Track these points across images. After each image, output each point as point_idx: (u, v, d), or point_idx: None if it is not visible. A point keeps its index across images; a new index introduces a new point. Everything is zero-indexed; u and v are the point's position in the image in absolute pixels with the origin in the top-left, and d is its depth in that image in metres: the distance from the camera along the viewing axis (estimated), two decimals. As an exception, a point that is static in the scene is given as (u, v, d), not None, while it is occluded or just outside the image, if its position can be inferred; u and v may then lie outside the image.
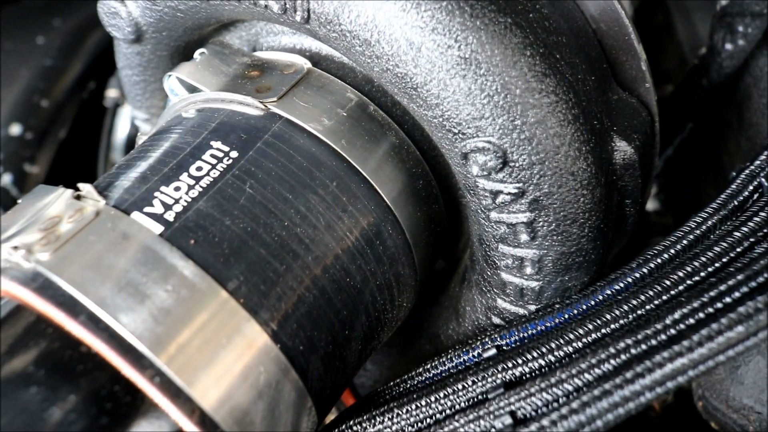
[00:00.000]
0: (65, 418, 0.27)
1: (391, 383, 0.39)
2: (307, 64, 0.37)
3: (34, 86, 0.73)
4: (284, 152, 0.34)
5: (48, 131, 0.72)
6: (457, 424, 0.33)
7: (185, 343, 0.28)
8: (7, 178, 0.68)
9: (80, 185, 0.32)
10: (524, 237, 0.34)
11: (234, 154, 0.33)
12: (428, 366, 0.38)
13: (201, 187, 0.32)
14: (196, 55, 0.39)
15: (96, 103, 0.78)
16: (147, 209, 0.31)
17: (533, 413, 0.31)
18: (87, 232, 0.30)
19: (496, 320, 0.39)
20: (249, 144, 0.33)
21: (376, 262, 0.35)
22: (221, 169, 0.32)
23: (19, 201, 0.35)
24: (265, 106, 0.35)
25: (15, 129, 0.70)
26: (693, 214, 0.35)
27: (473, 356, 0.37)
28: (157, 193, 0.32)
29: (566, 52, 0.33)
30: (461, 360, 0.38)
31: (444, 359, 0.38)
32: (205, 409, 0.27)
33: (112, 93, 0.73)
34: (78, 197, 0.33)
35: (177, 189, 0.32)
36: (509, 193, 0.33)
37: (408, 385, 0.38)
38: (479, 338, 0.38)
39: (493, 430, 0.31)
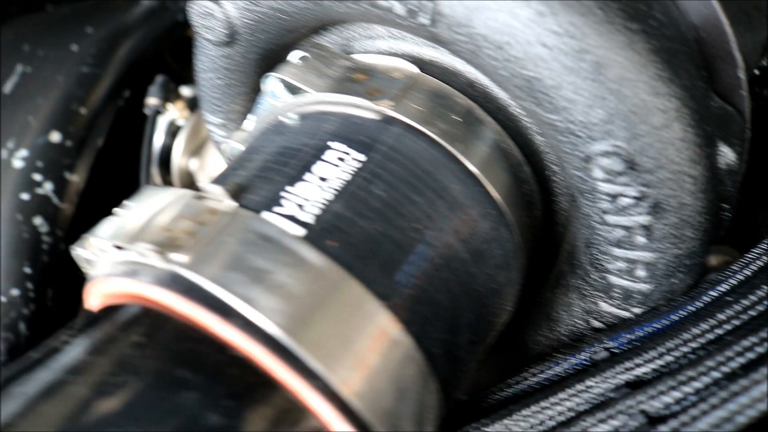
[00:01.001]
0: (219, 422, 0.26)
1: (495, 387, 0.39)
2: (414, 68, 0.37)
3: (72, 93, 0.73)
4: (406, 155, 0.34)
5: (86, 139, 0.71)
6: (585, 424, 0.33)
7: (337, 345, 0.28)
8: (48, 186, 0.67)
9: (207, 186, 0.32)
10: (640, 240, 0.34)
11: (360, 156, 0.33)
12: (535, 370, 0.38)
13: (333, 189, 0.32)
14: (294, 57, 0.39)
15: (131, 111, 0.77)
16: (277, 209, 0.31)
17: (666, 412, 0.31)
18: (223, 233, 0.30)
19: (596, 324, 0.39)
20: (372, 147, 0.33)
21: (494, 266, 0.35)
22: (350, 172, 0.32)
23: (128, 203, 0.34)
24: (381, 110, 0.35)
25: (55, 136, 0.69)
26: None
27: (583, 359, 0.37)
28: (284, 194, 0.31)
29: (682, 58, 0.33)
30: (570, 364, 0.38)
31: (550, 363, 0.38)
32: (361, 414, 0.27)
33: (152, 101, 0.72)
34: (199, 198, 0.32)
35: (306, 190, 0.32)
36: (631, 197, 0.33)
37: (517, 389, 0.38)
38: (586, 341, 0.38)
39: (626, 428, 0.31)
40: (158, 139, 0.76)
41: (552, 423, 0.34)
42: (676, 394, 0.31)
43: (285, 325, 0.27)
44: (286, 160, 0.33)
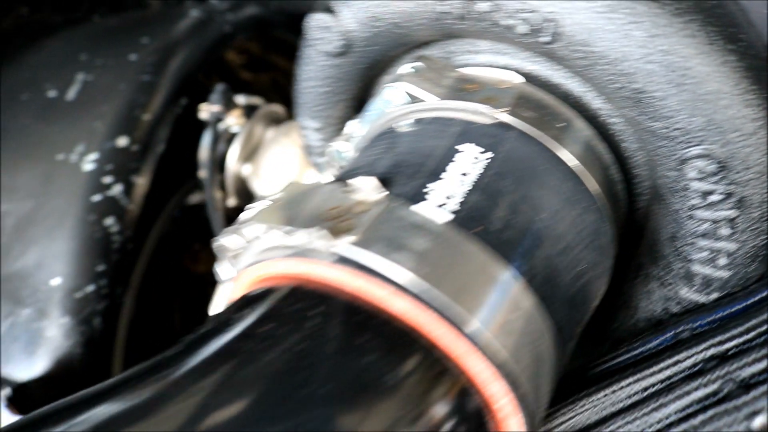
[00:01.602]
0: (394, 381, 0.31)
1: (586, 366, 0.44)
2: (518, 79, 0.43)
3: (135, 101, 0.77)
4: (523, 156, 0.39)
5: (149, 144, 0.75)
6: (682, 391, 0.38)
7: (489, 314, 0.33)
8: (117, 189, 0.71)
9: (356, 180, 0.37)
10: (725, 231, 0.40)
11: (487, 155, 0.38)
12: (622, 350, 0.43)
13: (470, 182, 0.36)
14: (406, 69, 0.44)
15: (188, 118, 0.82)
16: (422, 202, 0.36)
17: (757, 379, 0.37)
18: (378, 221, 0.34)
19: (674, 310, 0.44)
20: (495, 148, 0.38)
21: (597, 255, 0.40)
22: (482, 168, 0.37)
23: (271, 197, 0.39)
24: (498, 116, 0.40)
25: (122, 141, 0.73)
26: None
27: (667, 338, 0.43)
28: (426, 189, 0.36)
29: (765, 74, 0.39)
30: (654, 344, 0.43)
31: (636, 344, 0.43)
32: (515, 375, 0.32)
33: (214, 108, 0.77)
34: (346, 191, 0.37)
35: (446, 184, 0.36)
36: (720, 194, 0.39)
37: (607, 366, 0.43)
38: (669, 323, 0.43)
39: (721, 393, 0.37)
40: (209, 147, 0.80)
41: (651, 390, 0.39)
42: (763, 365, 0.37)
43: (448, 297, 0.32)
44: (421, 159, 0.38)
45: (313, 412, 0.29)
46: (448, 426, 0.32)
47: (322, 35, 0.44)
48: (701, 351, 0.39)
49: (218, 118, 0.76)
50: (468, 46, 0.44)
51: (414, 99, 0.42)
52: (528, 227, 0.36)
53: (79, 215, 0.70)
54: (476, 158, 0.38)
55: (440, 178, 0.37)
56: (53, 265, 0.68)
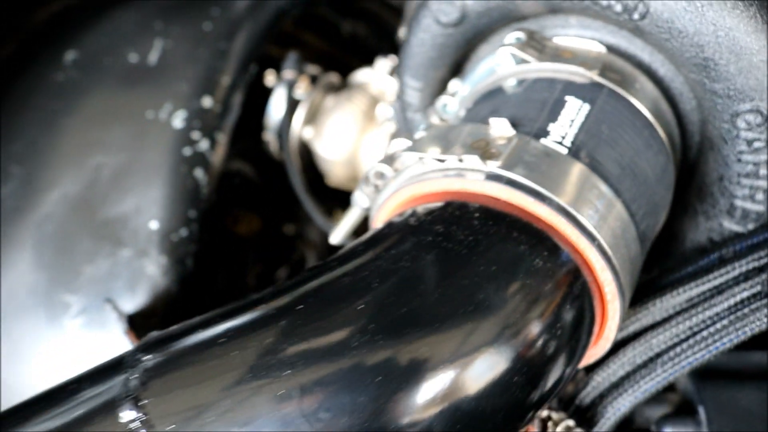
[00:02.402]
0: (539, 264, 0.43)
1: (649, 280, 0.57)
2: (602, 49, 0.55)
3: (213, 66, 0.87)
4: (614, 108, 0.51)
5: (228, 106, 0.86)
6: (728, 294, 0.51)
7: (599, 218, 0.45)
8: (204, 144, 0.82)
9: (493, 120, 0.49)
10: (764, 171, 0.53)
11: (587, 106, 0.51)
12: (677, 269, 0.57)
13: (577, 125, 0.49)
14: (511, 38, 0.56)
15: (256, 83, 0.93)
16: (546, 138, 0.48)
17: None
18: (516, 150, 0.47)
19: (717, 238, 0.58)
20: (594, 101, 0.51)
21: (665, 189, 0.53)
22: (584, 115, 0.50)
23: (422, 132, 0.50)
24: (593, 77, 0.53)
25: (207, 101, 0.83)
26: None
27: (712, 259, 0.56)
28: (548, 128, 0.49)
29: None
30: (703, 263, 0.56)
31: (688, 265, 0.57)
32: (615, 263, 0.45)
33: (288, 74, 0.88)
34: (484, 128, 0.49)
35: (560, 126, 0.49)
36: (763, 140, 0.52)
37: (667, 279, 0.56)
38: (712, 249, 0.56)
39: (761, 293, 0.50)
40: (279, 110, 0.91)
41: (706, 294, 0.52)
42: None
43: (572, 204, 0.44)
44: (538, 107, 0.50)
45: (485, 284, 0.42)
46: (572, 299, 0.44)
47: (444, 7, 0.56)
48: (743, 265, 0.52)
49: (291, 84, 0.86)
50: (560, 21, 0.57)
51: (520, 62, 0.54)
52: (620, 161, 0.49)
53: (172, 167, 0.80)
54: (579, 108, 0.50)
55: (555, 121, 0.49)
56: (151, 211, 0.78)
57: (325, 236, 1.20)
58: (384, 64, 0.95)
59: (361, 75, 0.96)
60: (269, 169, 1.09)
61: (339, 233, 0.59)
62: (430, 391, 0.40)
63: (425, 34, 0.59)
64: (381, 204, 0.49)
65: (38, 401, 0.44)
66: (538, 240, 0.43)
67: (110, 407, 0.40)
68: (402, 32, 0.97)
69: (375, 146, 0.88)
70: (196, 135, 0.81)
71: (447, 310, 0.41)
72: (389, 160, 0.49)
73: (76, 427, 0.41)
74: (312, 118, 0.91)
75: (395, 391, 0.38)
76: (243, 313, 0.42)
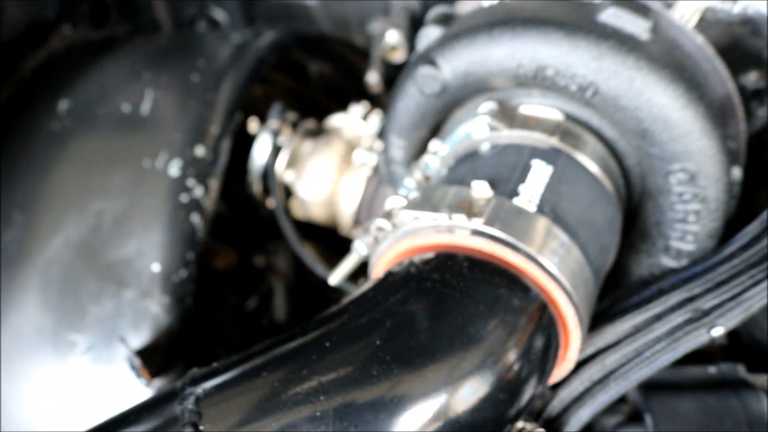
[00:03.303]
0: (517, 303, 0.56)
1: (601, 311, 0.71)
2: (560, 116, 0.69)
3: (203, 115, 0.98)
4: (572, 170, 0.65)
5: (218, 153, 0.97)
6: (669, 318, 0.65)
7: (561, 263, 0.58)
8: (199, 191, 0.93)
9: (475, 183, 0.62)
10: (692, 218, 0.68)
11: (550, 168, 0.64)
12: (623, 300, 0.71)
13: (542, 186, 0.62)
14: (484, 108, 0.69)
15: (240, 131, 1.04)
16: (518, 197, 0.61)
17: (714, 308, 0.64)
18: (495, 210, 0.60)
19: (657, 272, 0.72)
20: (555, 163, 0.65)
21: (613, 234, 0.67)
22: (548, 176, 0.63)
23: (412, 195, 0.63)
24: (554, 143, 0.66)
25: (199, 150, 0.94)
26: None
27: (653, 291, 0.70)
28: (518, 189, 0.62)
29: (723, 130, 0.67)
30: (645, 294, 0.70)
31: (633, 296, 0.71)
32: (575, 300, 0.58)
33: (273, 124, 0.99)
34: (465, 190, 0.62)
35: (529, 187, 0.62)
36: (690, 194, 0.66)
37: (616, 309, 0.70)
38: (653, 281, 0.71)
39: (692, 318, 0.64)
40: (262, 155, 1.03)
41: (647, 320, 0.66)
42: (716, 302, 0.65)
43: (539, 252, 0.57)
44: (509, 170, 0.63)
45: (475, 320, 0.54)
46: (541, 329, 0.57)
47: (427, 82, 0.69)
48: (677, 295, 0.67)
49: (275, 132, 0.98)
50: (524, 92, 0.70)
51: (492, 129, 0.68)
52: (576, 213, 0.63)
53: (170, 213, 0.91)
54: (543, 170, 0.64)
55: (524, 182, 0.62)
56: (152, 254, 0.88)
57: (293, 268, 1.32)
58: (357, 110, 1.07)
59: (335, 120, 1.08)
60: (238, 203, 1.20)
61: (337, 276, 0.71)
62: (433, 407, 0.52)
63: (410, 101, 0.71)
64: (381, 253, 0.61)
65: (101, 429, 0.54)
66: (513, 283, 0.56)
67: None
68: (371, 77, 1.10)
69: (352, 188, 1.00)
70: (191, 182, 0.91)
71: (446, 342, 0.53)
72: (387, 216, 0.62)
73: None
74: (293, 163, 1.03)
75: (407, 408, 0.50)
76: (278, 348, 0.53)
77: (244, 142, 1.06)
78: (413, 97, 0.71)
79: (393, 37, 1.16)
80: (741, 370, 0.71)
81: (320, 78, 1.43)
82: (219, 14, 1.35)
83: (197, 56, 1.05)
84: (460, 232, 0.57)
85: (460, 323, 0.54)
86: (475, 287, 0.55)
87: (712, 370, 0.72)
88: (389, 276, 0.58)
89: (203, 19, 1.36)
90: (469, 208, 0.58)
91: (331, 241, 1.15)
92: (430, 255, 0.58)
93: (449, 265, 0.56)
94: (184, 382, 0.54)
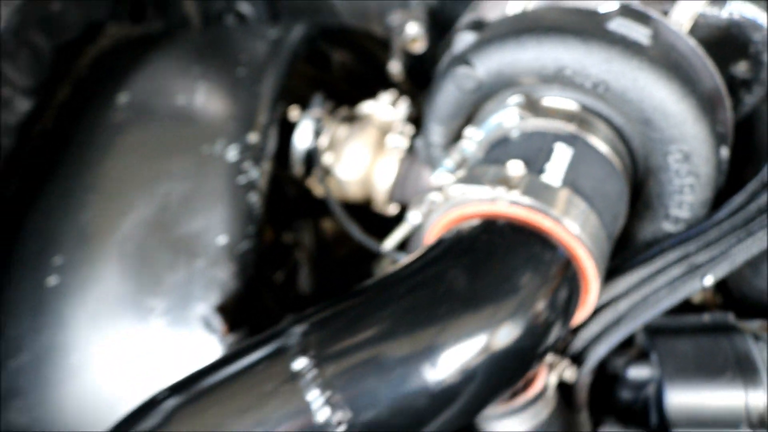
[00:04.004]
0: (546, 255, 0.75)
1: (612, 268, 0.90)
2: (576, 107, 0.88)
3: (252, 105, 1.16)
4: (589, 151, 0.84)
5: (267, 140, 1.15)
6: (665, 273, 0.85)
7: (588, 230, 0.78)
8: (254, 173, 1.11)
9: (510, 163, 0.81)
10: (687, 190, 0.87)
11: (570, 150, 0.83)
12: (630, 259, 0.90)
13: (565, 164, 0.81)
14: (513, 101, 0.88)
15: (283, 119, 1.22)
16: (544, 175, 0.81)
17: (705, 263, 0.84)
18: (528, 185, 0.79)
19: (659, 236, 0.92)
20: (574, 146, 0.84)
21: (623, 205, 0.86)
22: (569, 157, 0.82)
23: (458, 174, 0.82)
24: (573, 130, 0.85)
25: (252, 137, 1.13)
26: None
27: (655, 251, 0.90)
28: (545, 167, 0.81)
29: (713, 117, 0.86)
30: (649, 254, 0.90)
31: (638, 256, 0.90)
32: (593, 252, 0.77)
33: (316, 112, 1.18)
34: (503, 169, 0.81)
35: (554, 165, 0.81)
36: (685, 171, 0.86)
37: (625, 266, 0.89)
38: (655, 243, 0.90)
39: (688, 270, 0.84)
40: (304, 140, 1.22)
41: (651, 274, 0.86)
42: (707, 257, 0.84)
43: (564, 217, 0.77)
44: (535, 151, 0.82)
45: (518, 272, 0.73)
46: (567, 280, 0.77)
47: (463, 81, 0.87)
48: (675, 253, 0.86)
49: (318, 120, 1.17)
50: (546, 87, 0.89)
51: (521, 119, 0.86)
52: (593, 186, 0.82)
53: (231, 193, 1.09)
54: (565, 151, 0.83)
55: (550, 161, 0.81)
56: (218, 228, 1.06)
57: (316, 244, 1.52)
58: (386, 97, 1.26)
59: (367, 107, 1.27)
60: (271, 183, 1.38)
61: (391, 243, 0.90)
62: (482, 341, 0.71)
63: (449, 95, 0.90)
64: (435, 220, 0.81)
65: (221, 362, 0.73)
66: (544, 242, 0.75)
67: (284, 361, 0.70)
68: (393, 66, 1.29)
69: (386, 169, 1.19)
70: (247, 165, 1.10)
71: (493, 290, 0.72)
72: (438, 190, 0.81)
73: (258, 379, 0.70)
74: (331, 146, 1.21)
75: (466, 338, 0.70)
76: (362, 294, 0.72)
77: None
78: (452, 92, 0.89)
79: (413, 29, 1.35)
80: (730, 317, 0.91)
81: (342, 67, 1.61)
82: (246, 8, 1.53)
83: (239, 52, 1.23)
84: (501, 203, 0.76)
85: (504, 274, 0.73)
86: (515, 246, 0.74)
87: (706, 318, 0.92)
88: (441, 241, 0.77)
89: (231, 13, 1.54)
90: (507, 183, 0.77)
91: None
92: (476, 222, 0.77)
93: (493, 229, 0.75)
94: (286, 325, 0.73)
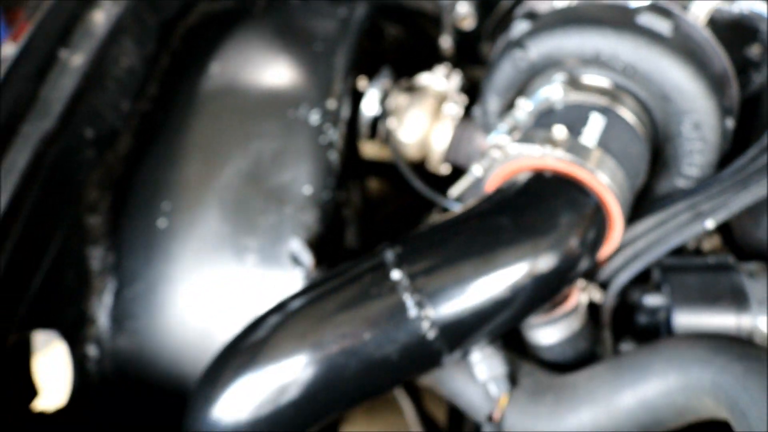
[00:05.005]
0: (585, 203, 1.07)
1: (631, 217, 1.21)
2: (610, 84, 1.19)
3: (329, 76, 1.47)
4: (618, 120, 1.15)
5: (342, 106, 1.46)
6: (676, 218, 1.16)
7: (616, 181, 1.08)
8: (333, 135, 1.42)
9: (556, 127, 1.11)
10: (697, 153, 1.18)
11: (603, 119, 1.14)
12: (646, 206, 1.21)
13: (599, 130, 1.12)
14: (559, 78, 1.19)
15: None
16: (581, 138, 1.11)
17: (710, 212, 1.15)
18: (571, 145, 1.09)
19: (671, 190, 1.22)
20: (606, 116, 1.14)
21: (646, 163, 1.17)
22: (602, 124, 1.13)
23: (514, 135, 1.13)
24: (608, 104, 1.16)
25: (331, 104, 1.43)
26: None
27: (669, 201, 1.21)
28: (583, 131, 1.12)
29: (722, 92, 1.16)
30: (665, 203, 1.21)
31: (655, 204, 1.21)
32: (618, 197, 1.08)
33: (385, 83, 1.49)
34: (547, 131, 1.12)
35: (591, 129, 1.12)
36: (696, 137, 1.16)
37: (640, 213, 1.20)
38: (669, 196, 1.21)
39: (695, 216, 1.15)
40: (371, 108, 1.52)
41: (664, 217, 1.17)
42: (710, 206, 1.15)
43: (604, 173, 1.08)
44: (578, 120, 1.13)
45: (564, 211, 1.05)
46: (598, 220, 1.08)
47: (519, 62, 1.18)
48: (685, 203, 1.17)
49: (386, 90, 1.47)
50: (585, 67, 1.20)
51: (564, 93, 1.17)
52: (621, 148, 1.12)
53: (314, 151, 1.39)
54: (599, 120, 1.14)
55: (587, 126, 1.12)
56: (303, 180, 1.38)
57: (364, 202, 1.83)
58: (441, 70, 1.57)
59: (423, 78, 1.57)
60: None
61: (457, 190, 1.21)
62: (530, 265, 1.02)
63: (506, 73, 1.20)
64: (495, 172, 1.12)
65: (333, 276, 1.05)
66: (581, 190, 1.06)
67: (383, 273, 1.01)
68: (444, 42, 1.60)
69: (442, 133, 1.50)
70: (326, 127, 1.41)
71: (542, 226, 1.03)
72: (498, 147, 1.12)
73: (361, 289, 1.01)
74: (394, 113, 1.52)
75: (517, 262, 1.01)
76: (443, 225, 1.03)
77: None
78: (508, 70, 1.20)
79: (463, 7, 1.66)
80: (730, 259, 1.22)
81: (395, 40, 1.91)
82: (308, -15, 1.82)
83: (314, 28, 1.53)
84: (548, 158, 1.07)
85: (549, 213, 1.04)
86: (558, 191, 1.05)
87: (710, 259, 1.23)
88: (501, 189, 1.09)
89: (295, -11, 1.83)
90: (552, 143, 1.08)
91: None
92: (528, 173, 1.09)
93: (541, 178, 1.06)
94: (381, 248, 1.05)
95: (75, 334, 1.16)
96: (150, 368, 1.28)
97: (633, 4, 1.11)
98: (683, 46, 1.09)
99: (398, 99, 1.48)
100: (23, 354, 1.19)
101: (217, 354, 0.99)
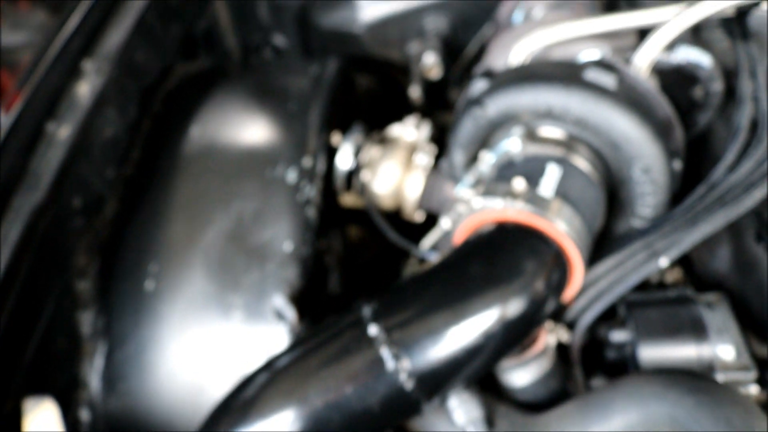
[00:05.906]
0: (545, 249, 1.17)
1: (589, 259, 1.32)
2: (563, 134, 1.30)
3: (304, 134, 1.57)
4: (573, 169, 1.26)
5: (317, 163, 1.56)
6: (631, 260, 1.26)
7: (574, 228, 1.19)
8: (311, 192, 1.52)
9: (515, 180, 1.22)
10: (649, 194, 1.28)
11: (559, 170, 1.25)
12: (603, 248, 1.32)
13: (555, 180, 1.23)
14: (517, 130, 1.30)
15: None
16: (539, 189, 1.22)
17: (664, 251, 1.25)
18: (530, 196, 1.20)
19: (627, 230, 1.33)
20: (562, 165, 1.25)
21: (600, 208, 1.28)
22: (559, 174, 1.24)
23: (477, 189, 1.24)
24: (562, 155, 1.27)
25: (306, 162, 1.54)
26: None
27: (625, 241, 1.31)
28: (541, 182, 1.22)
29: (669, 142, 1.27)
30: (621, 243, 1.31)
31: (613, 245, 1.32)
32: (578, 246, 1.19)
33: (357, 138, 1.59)
34: (507, 184, 1.22)
35: (548, 180, 1.22)
36: (646, 180, 1.27)
37: (599, 255, 1.31)
38: (625, 236, 1.32)
39: (649, 257, 1.25)
40: (345, 162, 1.63)
41: (621, 261, 1.27)
42: (664, 245, 1.26)
43: (562, 222, 1.18)
44: (533, 170, 1.23)
45: (524, 260, 1.15)
46: (558, 267, 1.18)
47: (476, 120, 1.29)
48: (640, 243, 1.28)
49: (359, 144, 1.58)
50: (540, 120, 1.30)
51: (522, 146, 1.28)
52: (577, 195, 1.23)
53: (293, 208, 1.49)
54: (555, 170, 1.24)
55: (544, 176, 1.23)
56: (284, 237, 1.47)
57: (345, 248, 1.92)
58: (411, 120, 1.67)
59: (395, 130, 1.68)
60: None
61: (428, 242, 1.31)
62: (497, 311, 1.12)
63: (467, 128, 1.31)
64: (462, 225, 1.22)
65: (313, 333, 1.14)
66: (541, 239, 1.16)
67: (361, 328, 1.10)
68: (413, 91, 1.71)
69: (414, 183, 1.60)
70: (303, 185, 1.50)
71: (506, 273, 1.14)
72: (463, 202, 1.22)
73: (342, 345, 1.11)
74: (368, 165, 1.63)
75: (486, 310, 1.11)
76: (415, 280, 1.13)
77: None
78: (469, 125, 1.30)
79: (430, 58, 1.77)
80: (689, 291, 1.32)
81: (366, 90, 2.02)
82: (281, 41, 1.95)
83: (288, 87, 1.64)
84: (510, 211, 1.17)
85: (513, 262, 1.14)
86: (520, 242, 1.15)
87: (671, 293, 1.33)
88: (468, 241, 1.19)
89: (267, 46, 1.95)
90: (513, 196, 1.18)
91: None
92: (492, 225, 1.19)
93: (504, 230, 1.17)
94: (357, 305, 1.15)
95: (68, 399, 1.23)
96: (142, 429, 1.36)
97: (581, 60, 1.22)
98: (628, 98, 1.20)
99: (371, 152, 1.58)
100: (19, 420, 1.27)
101: (210, 412, 1.07)
